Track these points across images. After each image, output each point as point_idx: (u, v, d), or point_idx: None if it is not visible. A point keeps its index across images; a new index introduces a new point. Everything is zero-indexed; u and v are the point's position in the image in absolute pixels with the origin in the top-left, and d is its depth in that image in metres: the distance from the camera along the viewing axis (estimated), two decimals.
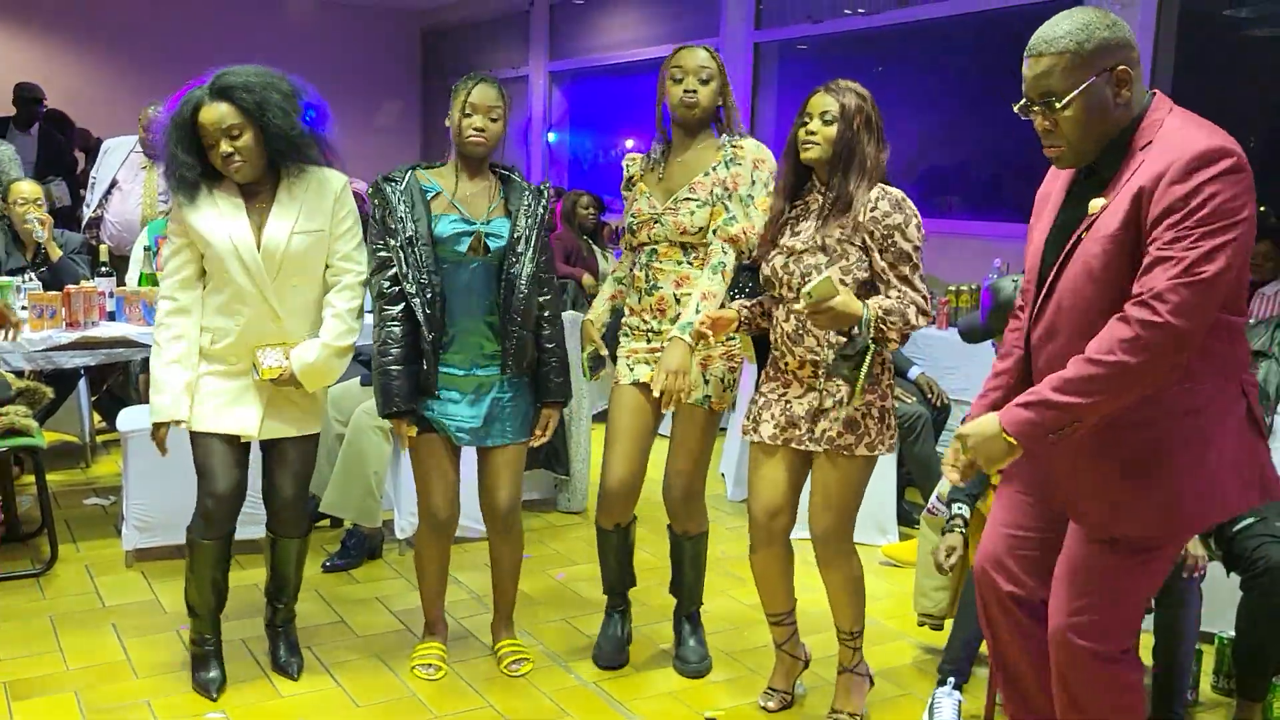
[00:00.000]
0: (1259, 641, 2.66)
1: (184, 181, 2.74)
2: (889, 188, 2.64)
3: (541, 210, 2.94)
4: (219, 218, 2.77)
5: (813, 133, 2.62)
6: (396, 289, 2.82)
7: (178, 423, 2.82)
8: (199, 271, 2.84)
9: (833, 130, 2.60)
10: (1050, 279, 2.02)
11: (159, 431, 2.85)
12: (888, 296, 2.58)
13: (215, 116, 2.68)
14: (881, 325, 2.51)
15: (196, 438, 2.86)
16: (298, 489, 2.96)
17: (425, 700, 2.93)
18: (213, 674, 2.94)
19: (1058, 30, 1.95)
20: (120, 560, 3.81)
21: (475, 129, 2.83)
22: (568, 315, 4.60)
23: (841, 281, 2.55)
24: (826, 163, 2.64)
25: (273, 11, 11.56)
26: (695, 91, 2.88)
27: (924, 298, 2.58)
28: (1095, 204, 1.99)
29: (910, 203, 2.62)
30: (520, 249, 2.88)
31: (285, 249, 2.79)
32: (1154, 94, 2.01)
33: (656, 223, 2.94)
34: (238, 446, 2.88)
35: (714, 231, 2.88)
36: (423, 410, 2.89)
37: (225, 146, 2.69)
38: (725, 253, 2.87)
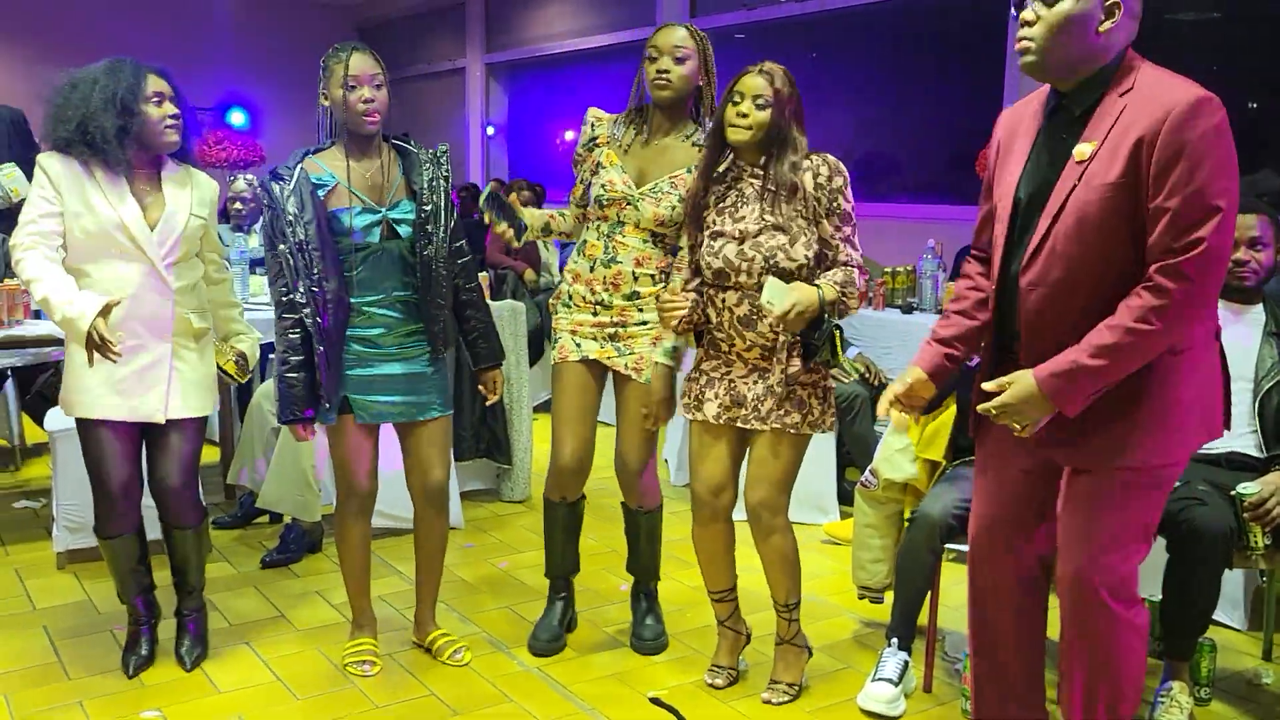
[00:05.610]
0: (1185, 603, 2.72)
1: (108, 144, 2.67)
2: (820, 154, 2.68)
3: (444, 179, 2.85)
4: (101, 191, 2.70)
5: (744, 114, 2.59)
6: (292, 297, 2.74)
7: (116, 303, 2.56)
8: (62, 241, 2.70)
9: (766, 115, 2.59)
10: (1046, 226, 2.03)
11: (100, 320, 2.50)
12: (835, 263, 2.64)
13: (163, 85, 2.76)
14: (843, 299, 2.59)
15: (90, 427, 2.77)
16: (185, 476, 2.87)
17: (366, 691, 2.91)
18: (143, 652, 2.95)
19: None
20: (52, 563, 3.73)
21: (365, 100, 2.70)
22: (505, 304, 4.59)
23: (793, 273, 2.59)
24: (754, 145, 2.64)
25: (205, 4, 11.36)
26: (668, 71, 2.83)
27: (861, 255, 2.67)
28: (1081, 150, 1.99)
29: (841, 164, 2.69)
30: (430, 229, 2.79)
31: (184, 228, 2.79)
32: (1128, 49, 2.05)
33: (631, 205, 2.88)
34: (132, 435, 2.82)
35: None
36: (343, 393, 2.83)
37: (170, 108, 2.75)
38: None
